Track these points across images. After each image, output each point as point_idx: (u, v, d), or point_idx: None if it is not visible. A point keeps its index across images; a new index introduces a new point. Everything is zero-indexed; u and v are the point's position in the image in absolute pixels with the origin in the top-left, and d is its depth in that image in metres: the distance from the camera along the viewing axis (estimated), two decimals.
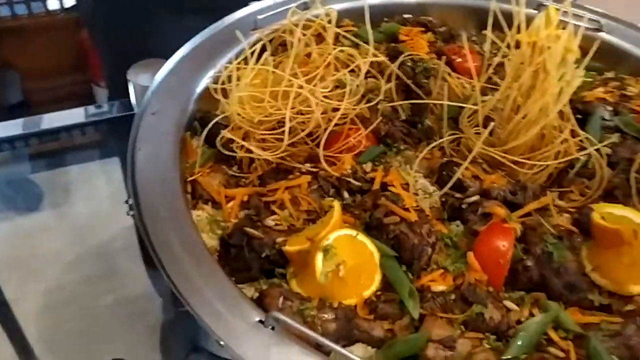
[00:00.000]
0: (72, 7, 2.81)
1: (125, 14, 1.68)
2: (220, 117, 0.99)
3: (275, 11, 1.25)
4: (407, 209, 0.89)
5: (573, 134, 0.98)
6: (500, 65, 1.05)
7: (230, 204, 0.96)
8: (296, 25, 1.01)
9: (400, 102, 1.08)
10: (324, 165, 0.96)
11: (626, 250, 0.83)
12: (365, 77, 1.14)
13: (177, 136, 1.02)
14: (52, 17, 2.84)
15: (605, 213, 0.86)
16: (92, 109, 1.52)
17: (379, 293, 0.85)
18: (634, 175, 0.96)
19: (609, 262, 0.84)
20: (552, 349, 0.79)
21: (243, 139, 0.99)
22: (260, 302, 0.81)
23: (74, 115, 1.50)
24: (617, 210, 0.86)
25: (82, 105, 1.53)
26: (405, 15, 1.36)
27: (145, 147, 0.98)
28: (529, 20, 0.96)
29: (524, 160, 0.93)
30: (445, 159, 0.99)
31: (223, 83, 0.99)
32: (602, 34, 1.30)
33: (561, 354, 0.78)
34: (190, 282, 0.80)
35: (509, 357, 0.77)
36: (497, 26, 1.00)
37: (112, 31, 1.74)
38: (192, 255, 0.83)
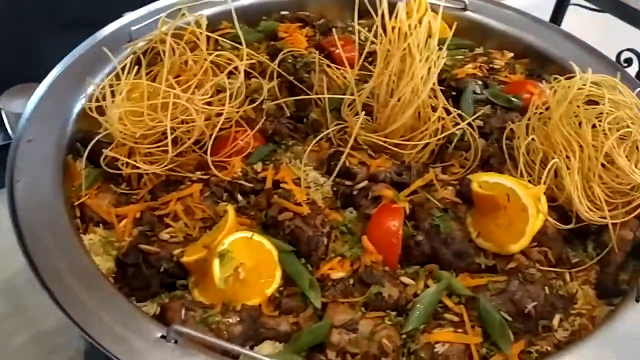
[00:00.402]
0: None
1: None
2: (100, 135, 0.96)
3: (150, 21, 1.23)
4: (299, 204, 0.91)
5: (448, 110, 1.04)
6: (375, 53, 1.09)
7: (123, 222, 0.95)
8: (167, 35, 1.00)
9: (283, 100, 1.09)
10: (214, 171, 0.96)
11: (502, 213, 0.89)
12: (249, 78, 1.15)
13: (58, 161, 0.99)
14: None
15: (482, 182, 0.92)
16: None
17: (281, 289, 0.87)
18: (505, 143, 1.03)
19: (489, 226, 0.90)
20: (447, 315, 0.84)
21: (128, 155, 0.97)
22: (162, 317, 0.80)
23: None
24: (491, 177, 0.92)
25: None
26: (283, 12, 1.38)
27: (25, 178, 0.94)
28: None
29: (404, 142, 0.98)
30: (333, 149, 1.02)
31: (98, 101, 0.96)
32: (468, 13, 1.38)
33: (456, 318, 0.83)
34: (85, 309, 0.78)
35: (409, 329, 0.82)
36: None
37: None
38: (85, 282, 0.81)
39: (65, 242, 0.87)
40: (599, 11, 1.69)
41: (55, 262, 0.84)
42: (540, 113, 1.02)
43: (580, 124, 0.96)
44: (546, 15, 1.81)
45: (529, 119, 1.02)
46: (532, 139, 0.98)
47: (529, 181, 0.96)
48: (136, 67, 1.01)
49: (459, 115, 1.04)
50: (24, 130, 1.01)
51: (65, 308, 0.78)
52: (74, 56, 1.15)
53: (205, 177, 0.97)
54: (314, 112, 1.11)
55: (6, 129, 1.19)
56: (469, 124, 1.02)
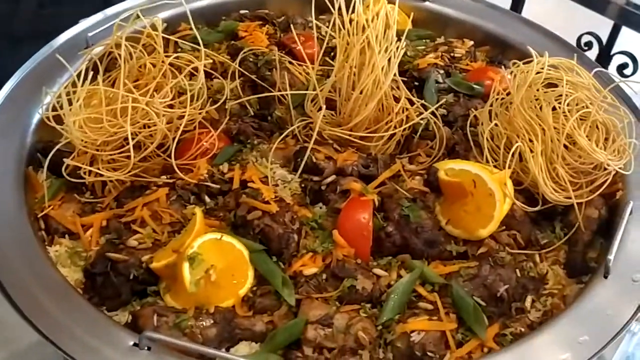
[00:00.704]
0: None
1: None
2: (59, 145, 0.94)
3: (107, 26, 1.20)
4: (267, 202, 0.90)
5: (411, 101, 1.04)
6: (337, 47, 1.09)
7: (89, 232, 0.93)
8: (122, 39, 0.98)
9: (246, 98, 1.08)
10: (180, 174, 0.95)
11: (470, 199, 0.90)
12: (211, 79, 1.14)
13: (17, 174, 0.96)
14: None
15: (448, 169, 0.92)
16: None
17: (254, 288, 0.86)
18: (470, 130, 1.04)
19: (458, 213, 0.91)
20: (421, 304, 0.84)
21: (91, 163, 0.95)
22: (135, 325, 0.79)
23: None
24: (457, 164, 0.93)
25: None
26: (242, 11, 1.37)
27: None
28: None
29: (368, 134, 0.98)
30: (299, 146, 1.01)
31: (55, 110, 0.94)
32: (427, 4, 1.38)
33: (430, 306, 0.84)
34: (55, 322, 0.77)
35: (384, 320, 0.82)
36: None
37: None
38: (53, 294, 0.80)
39: (31, 255, 0.85)
40: None
41: (21, 276, 0.82)
42: (502, 98, 1.03)
43: (541, 107, 0.97)
44: (506, 4, 1.83)
45: (491, 105, 1.03)
46: (496, 125, 0.99)
47: (495, 166, 0.97)
48: (93, 73, 0.99)
49: (423, 105, 1.04)
50: None
51: (34, 322, 0.77)
52: (29, 66, 1.12)
53: (171, 180, 0.96)
54: (278, 110, 1.10)
55: None
56: (433, 113, 1.02)
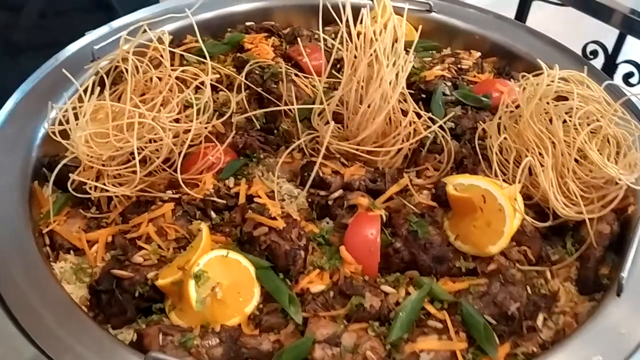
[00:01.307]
0: None
1: None
2: (65, 160, 0.93)
3: (112, 39, 1.19)
4: (274, 218, 0.89)
5: (419, 114, 1.03)
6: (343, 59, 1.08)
7: (94, 248, 0.92)
8: (129, 53, 0.97)
9: (253, 113, 1.07)
10: (185, 189, 0.94)
11: (479, 215, 0.88)
12: (216, 92, 1.13)
13: (23, 189, 0.96)
14: None
15: (457, 184, 0.91)
16: None
17: (261, 306, 0.85)
18: (478, 143, 1.02)
19: (467, 228, 0.90)
20: (431, 322, 0.83)
21: (96, 178, 0.95)
22: (140, 344, 0.78)
23: None
24: (466, 179, 0.92)
25: None
26: (248, 23, 1.36)
27: None
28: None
29: (376, 149, 0.97)
30: (306, 160, 1.00)
31: (61, 124, 0.93)
32: (433, 14, 1.38)
33: (439, 325, 0.82)
34: (58, 341, 0.76)
35: (393, 339, 0.80)
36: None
37: None
38: (57, 312, 0.79)
39: (35, 272, 0.84)
40: (562, 5, 1.71)
41: (25, 293, 0.81)
42: (511, 111, 1.02)
43: (551, 120, 0.96)
44: (511, 13, 1.83)
45: (500, 118, 1.02)
46: (505, 138, 0.98)
47: (504, 180, 0.96)
48: (99, 87, 0.99)
49: (430, 118, 1.03)
50: None
51: (37, 342, 0.76)
52: (35, 79, 1.12)
53: (177, 196, 0.95)
54: (284, 123, 1.10)
55: None
56: (441, 127, 1.01)
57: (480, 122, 1.07)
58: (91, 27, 1.27)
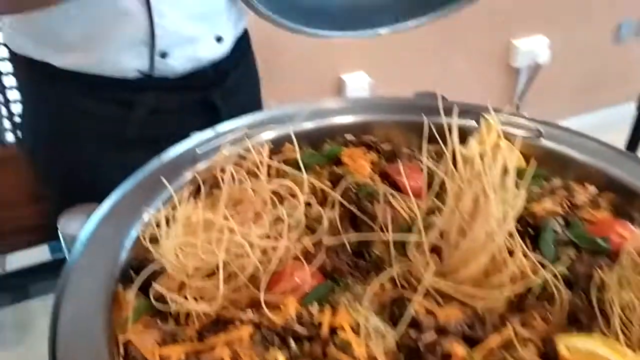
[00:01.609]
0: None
1: (66, 149, 1.64)
2: (152, 268, 0.91)
3: (216, 142, 1.22)
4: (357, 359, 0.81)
5: (525, 254, 0.94)
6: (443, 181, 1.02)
7: None
8: (229, 166, 0.97)
9: (346, 236, 1.02)
10: (266, 312, 0.89)
11: None
12: (308, 205, 1.10)
13: (107, 292, 0.94)
14: (9, 149, 2.82)
15: (572, 347, 0.79)
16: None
17: None
18: (595, 295, 0.91)
19: None
20: None
21: (179, 289, 0.92)
22: None
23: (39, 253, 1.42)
24: (582, 341, 0.80)
25: (47, 236, 1.45)
26: (347, 135, 1.35)
27: (71, 307, 0.91)
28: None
29: (477, 293, 0.88)
30: (397, 294, 0.92)
31: (153, 229, 0.93)
32: (544, 141, 1.30)
33: None
34: None
35: None
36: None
37: (54, 168, 1.69)
38: None
39: None
40: None
41: None
42: (636, 263, 0.90)
43: None
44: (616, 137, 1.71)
45: (622, 269, 0.90)
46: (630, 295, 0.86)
47: (627, 344, 0.83)
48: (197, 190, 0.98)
49: (539, 261, 0.93)
50: (77, 254, 0.99)
51: None
52: (136, 179, 1.14)
53: (257, 319, 0.89)
54: (376, 247, 1.03)
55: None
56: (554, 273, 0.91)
57: (597, 268, 0.95)
58: (198, 126, 1.30)
